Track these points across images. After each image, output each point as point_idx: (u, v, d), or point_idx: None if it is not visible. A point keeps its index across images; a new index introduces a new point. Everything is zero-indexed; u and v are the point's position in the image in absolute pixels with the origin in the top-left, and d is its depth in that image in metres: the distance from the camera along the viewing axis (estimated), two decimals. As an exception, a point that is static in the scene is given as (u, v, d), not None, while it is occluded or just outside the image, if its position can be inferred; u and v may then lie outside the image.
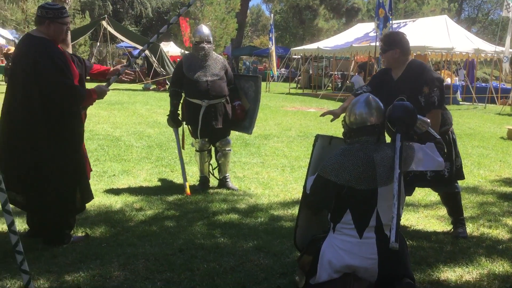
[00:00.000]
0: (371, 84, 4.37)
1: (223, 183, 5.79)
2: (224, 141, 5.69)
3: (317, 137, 3.55)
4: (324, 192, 3.16)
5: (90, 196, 4.10)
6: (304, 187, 3.40)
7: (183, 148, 5.90)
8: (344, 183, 3.06)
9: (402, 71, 4.14)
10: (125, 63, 4.70)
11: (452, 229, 4.39)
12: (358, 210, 3.07)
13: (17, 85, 3.72)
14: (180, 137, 5.80)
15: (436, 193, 4.71)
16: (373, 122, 3.16)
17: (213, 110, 5.45)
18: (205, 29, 5.55)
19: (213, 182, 5.89)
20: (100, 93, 4.00)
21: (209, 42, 5.48)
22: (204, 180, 5.78)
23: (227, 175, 5.82)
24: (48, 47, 3.69)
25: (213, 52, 5.62)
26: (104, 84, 4.15)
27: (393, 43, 4.13)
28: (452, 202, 4.39)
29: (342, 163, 3.09)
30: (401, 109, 3.20)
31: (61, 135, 3.76)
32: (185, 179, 5.60)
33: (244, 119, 5.70)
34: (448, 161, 4.08)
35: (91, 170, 4.43)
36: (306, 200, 3.44)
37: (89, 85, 3.99)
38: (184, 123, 5.72)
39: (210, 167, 5.82)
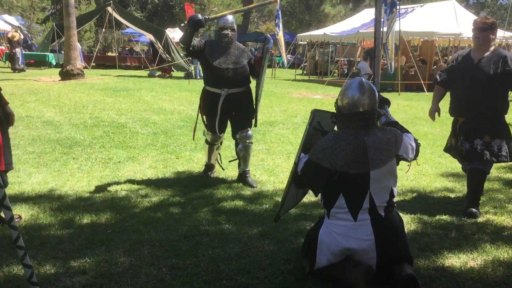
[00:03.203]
0: (449, 72, 4.66)
1: (242, 178, 5.46)
2: (245, 132, 5.39)
3: (313, 112, 3.46)
4: (315, 176, 3.18)
5: None
6: (295, 163, 3.37)
7: (193, 139, 5.89)
8: (336, 168, 3.07)
9: (488, 52, 4.41)
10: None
11: (466, 207, 4.49)
12: (351, 194, 3.09)
13: None
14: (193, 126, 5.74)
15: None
16: (365, 107, 3.13)
17: (233, 99, 5.22)
18: (229, 16, 5.31)
19: (219, 170, 5.88)
20: None
21: (233, 30, 5.26)
22: (208, 167, 5.73)
23: (247, 169, 5.48)
24: None
25: (236, 41, 5.37)
26: None
27: (496, 26, 4.49)
28: (476, 180, 4.52)
29: (334, 148, 3.08)
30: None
31: None
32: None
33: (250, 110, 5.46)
34: (505, 140, 4.42)
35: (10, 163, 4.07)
36: (295, 179, 3.41)
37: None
38: (200, 114, 5.52)
39: (219, 156, 5.72)
